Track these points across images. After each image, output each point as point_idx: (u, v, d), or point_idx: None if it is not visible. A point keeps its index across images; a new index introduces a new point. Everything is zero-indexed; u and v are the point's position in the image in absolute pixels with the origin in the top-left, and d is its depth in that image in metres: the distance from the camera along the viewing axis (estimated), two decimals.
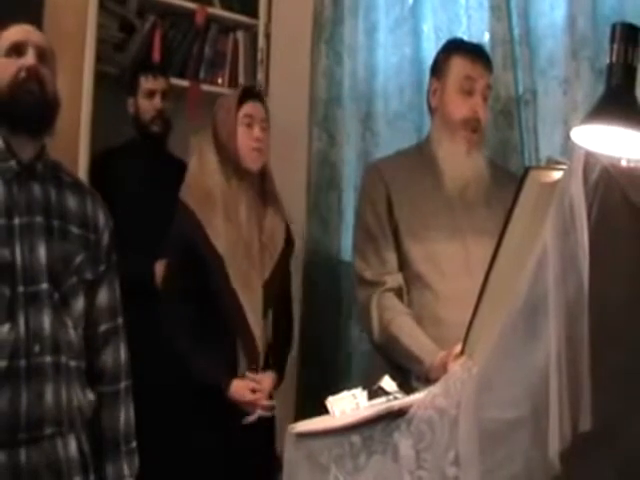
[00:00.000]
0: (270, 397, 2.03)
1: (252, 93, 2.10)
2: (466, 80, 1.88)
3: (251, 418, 1.98)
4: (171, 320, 1.99)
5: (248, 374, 1.99)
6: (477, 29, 2.18)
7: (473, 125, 1.88)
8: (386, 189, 1.92)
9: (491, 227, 1.73)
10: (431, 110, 1.99)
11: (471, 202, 1.89)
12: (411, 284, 1.88)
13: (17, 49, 1.51)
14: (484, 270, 1.76)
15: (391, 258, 1.90)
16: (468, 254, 1.84)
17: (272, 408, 2.02)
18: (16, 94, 1.48)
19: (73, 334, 1.50)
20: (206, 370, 1.97)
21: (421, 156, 1.96)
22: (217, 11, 2.88)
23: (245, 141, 2.01)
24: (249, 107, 2.04)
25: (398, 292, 1.88)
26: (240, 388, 1.97)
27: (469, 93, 1.88)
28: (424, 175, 1.92)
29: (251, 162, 2.02)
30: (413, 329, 1.80)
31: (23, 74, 1.48)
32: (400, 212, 1.90)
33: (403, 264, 1.89)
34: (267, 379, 2.03)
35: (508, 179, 1.93)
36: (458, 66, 1.89)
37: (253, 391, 1.98)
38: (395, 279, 1.89)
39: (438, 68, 1.95)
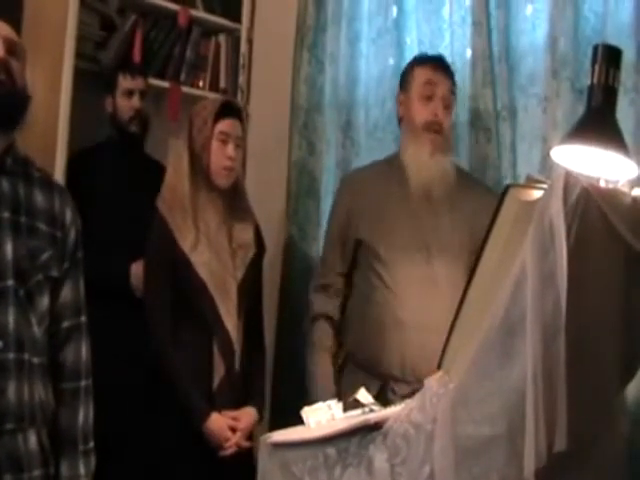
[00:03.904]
0: (250, 437, 1.98)
1: (231, 108, 2.07)
2: (427, 85, 1.97)
3: (226, 452, 1.93)
4: (157, 336, 1.97)
5: (226, 412, 1.95)
6: (460, 44, 2.20)
7: (435, 128, 1.95)
8: (350, 200, 2.04)
9: (454, 235, 1.90)
10: (400, 122, 2.07)
11: (436, 208, 1.95)
12: (375, 289, 1.94)
13: None
14: (446, 276, 1.87)
15: (341, 267, 2.05)
16: (430, 259, 1.91)
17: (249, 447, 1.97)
18: None
19: (37, 331, 1.48)
20: (189, 396, 1.93)
21: (391, 166, 2.04)
22: (200, 14, 2.86)
23: (218, 158, 2.02)
24: (226, 124, 2.03)
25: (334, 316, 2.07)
26: (218, 423, 1.92)
27: (429, 98, 1.97)
28: (391, 184, 2.00)
29: (221, 179, 2.03)
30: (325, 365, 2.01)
31: None
32: (363, 221, 1.99)
33: (367, 269, 1.97)
34: (246, 417, 1.99)
35: (475, 186, 2.02)
36: (419, 74, 2.00)
37: (232, 429, 1.94)
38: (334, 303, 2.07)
39: (404, 81, 2.05)
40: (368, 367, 1.93)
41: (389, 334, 1.89)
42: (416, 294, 1.88)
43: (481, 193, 1.99)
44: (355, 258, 2.03)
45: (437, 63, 2.00)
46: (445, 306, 1.81)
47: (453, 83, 2.01)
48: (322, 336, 2.06)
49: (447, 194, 1.95)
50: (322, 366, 2.02)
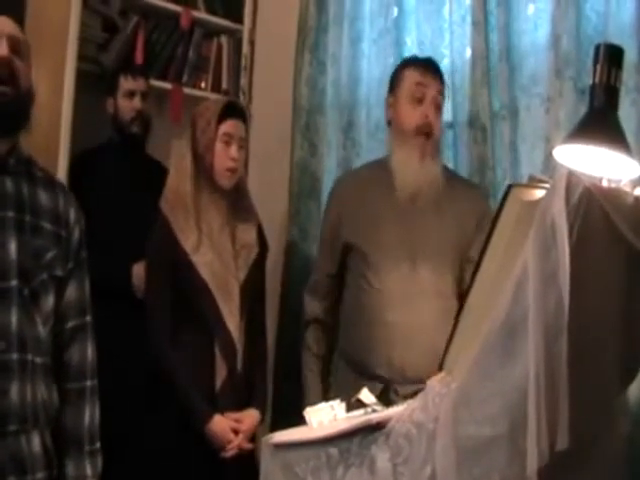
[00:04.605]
0: (252, 438, 1.99)
1: (234, 109, 2.07)
2: (417, 87, 1.96)
3: (228, 454, 1.94)
4: (157, 337, 1.98)
5: (229, 414, 1.95)
6: (460, 44, 2.20)
7: (426, 131, 1.94)
8: (342, 202, 2.06)
9: (441, 239, 1.92)
10: (388, 125, 2.07)
11: (423, 211, 1.96)
12: (364, 291, 1.96)
13: None
14: (432, 279, 1.91)
15: (331, 268, 2.08)
16: (416, 263, 1.93)
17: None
18: None
19: (42, 331, 1.47)
20: (191, 397, 1.93)
21: (382, 169, 2.04)
22: (202, 15, 2.87)
23: (221, 160, 2.02)
24: (230, 125, 2.03)
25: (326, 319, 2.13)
26: (221, 425, 1.92)
27: (420, 101, 1.95)
28: (381, 187, 2.00)
29: (224, 180, 2.03)
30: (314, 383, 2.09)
31: None
32: (353, 224, 2.01)
33: (357, 272, 1.99)
34: (249, 419, 1.98)
35: (463, 187, 2.02)
36: (409, 76, 1.98)
37: (234, 431, 1.94)
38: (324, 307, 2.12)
39: (393, 83, 2.04)
40: (359, 367, 1.95)
41: (377, 335, 1.91)
42: (403, 296, 1.90)
43: (469, 193, 2.01)
44: (346, 261, 2.05)
45: (427, 65, 1.99)
46: (430, 308, 1.85)
47: (442, 84, 2.00)
48: (313, 342, 2.13)
49: (435, 198, 1.96)
50: (311, 371, 2.10)
